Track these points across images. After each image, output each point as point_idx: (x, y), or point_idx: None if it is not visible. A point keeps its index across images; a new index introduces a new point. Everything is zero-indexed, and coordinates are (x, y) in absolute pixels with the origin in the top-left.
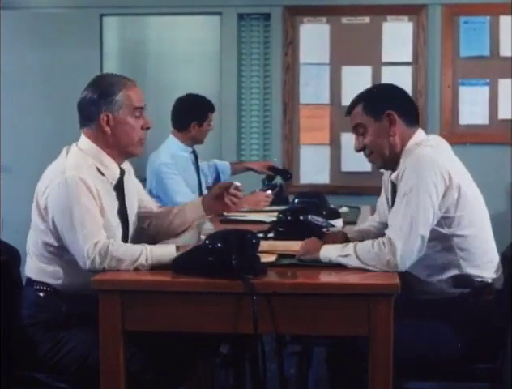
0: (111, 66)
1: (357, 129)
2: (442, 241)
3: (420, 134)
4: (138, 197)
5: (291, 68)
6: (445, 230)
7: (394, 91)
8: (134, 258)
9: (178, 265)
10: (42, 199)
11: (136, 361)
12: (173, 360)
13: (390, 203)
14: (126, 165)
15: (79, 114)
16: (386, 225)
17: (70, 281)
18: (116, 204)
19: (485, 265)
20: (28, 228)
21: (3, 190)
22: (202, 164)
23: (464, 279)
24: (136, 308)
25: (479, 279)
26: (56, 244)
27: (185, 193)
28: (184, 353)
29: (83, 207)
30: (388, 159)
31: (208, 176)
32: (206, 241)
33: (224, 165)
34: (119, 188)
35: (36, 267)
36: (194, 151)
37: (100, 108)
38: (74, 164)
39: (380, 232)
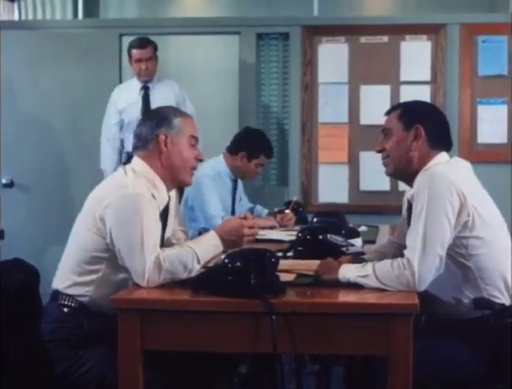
0: None
1: (385, 131)
2: (459, 260)
3: (442, 157)
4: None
5: (309, 87)
6: (462, 250)
7: (434, 112)
8: (186, 268)
9: (197, 284)
10: (99, 209)
11: (154, 382)
12: (192, 379)
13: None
14: (172, 191)
15: (135, 140)
16: (404, 246)
17: (97, 295)
18: (160, 226)
19: (505, 285)
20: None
21: (5, 205)
22: (245, 204)
23: (485, 302)
24: (155, 327)
25: (499, 301)
26: (101, 255)
27: (217, 208)
28: (202, 373)
29: (145, 224)
30: (401, 169)
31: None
32: (226, 261)
33: (263, 212)
34: (164, 215)
35: (66, 278)
36: (235, 181)
37: (158, 129)
38: (135, 183)
39: (399, 252)
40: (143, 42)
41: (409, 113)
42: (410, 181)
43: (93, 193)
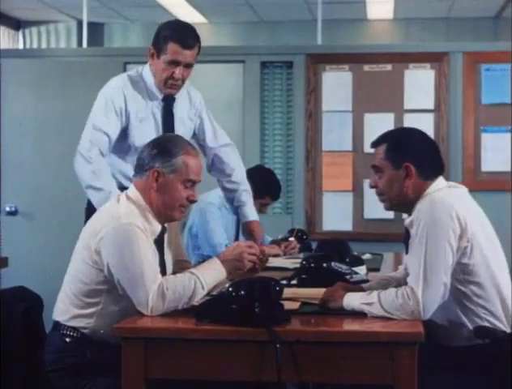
0: None
1: (375, 168)
2: (458, 287)
3: (438, 183)
4: (175, 255)
5: (313, 115)
6: (460, 276)
7: (420, 141)
8: (190, 294)
9: (202, 312)
10: (94, 242)
11: None
12: None
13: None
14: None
15: (136, 164)
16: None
17: (99, 326)
18: (157, 256)
19: (505, 312)
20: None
21: (9, 233)
22: None
23: (486, 330)
24: (159, 356)
25: (499, 328)
26: (99, 287)
27: (222, 236)
28: None
29: (142, 255)
30: (398, 205)
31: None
32: (230, 289)
33: (266, 240)
34: (159, 243)
35: (66, 310)
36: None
37: (154, 162)
38: (128, 212)
39: (404, 279)
40: (193, 38)
41: (396, 150)
42: (410, 210)
43: (88, 224)
